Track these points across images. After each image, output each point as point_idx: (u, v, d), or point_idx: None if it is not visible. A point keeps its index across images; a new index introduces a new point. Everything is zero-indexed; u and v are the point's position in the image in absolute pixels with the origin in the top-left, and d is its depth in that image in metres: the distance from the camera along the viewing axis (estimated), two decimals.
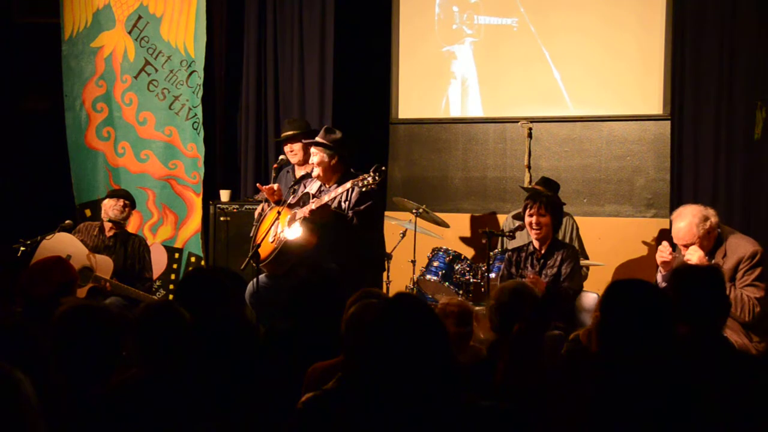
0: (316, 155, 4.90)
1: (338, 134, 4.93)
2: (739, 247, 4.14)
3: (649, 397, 2.12)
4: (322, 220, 4.72)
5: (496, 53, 6.71)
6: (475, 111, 6.83)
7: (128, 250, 5.48)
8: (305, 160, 5.62)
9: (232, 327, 2.37)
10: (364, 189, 4.64)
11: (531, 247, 4.78)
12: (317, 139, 4.93)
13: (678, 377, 2.20)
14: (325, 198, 4.76)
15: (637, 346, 2.28)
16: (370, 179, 4.57)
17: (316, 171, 4.91)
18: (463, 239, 6.68)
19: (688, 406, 2.15)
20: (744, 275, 4.06)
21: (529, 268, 4.72)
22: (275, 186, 5.06)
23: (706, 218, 4.14)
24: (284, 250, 4.79)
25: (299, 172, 5.67)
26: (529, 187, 5.74)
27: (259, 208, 5.34)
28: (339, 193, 4.76)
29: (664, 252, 4.18)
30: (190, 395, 2.19)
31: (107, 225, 5.51)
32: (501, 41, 6.69)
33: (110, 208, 5.52)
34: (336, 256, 4.74)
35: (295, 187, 5.16)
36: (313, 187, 5.01)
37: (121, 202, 5.54)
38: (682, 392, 2.16)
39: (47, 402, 2.05)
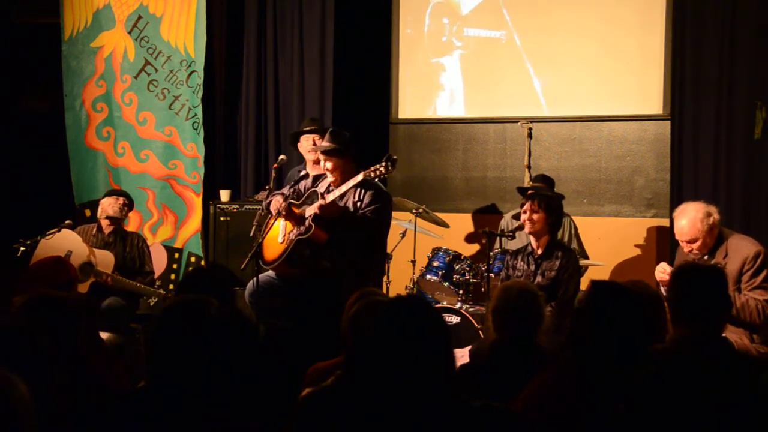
0: (330, 161, 4.78)
1: (346, 134, 4.88)
2: (742, 247, 4.13)
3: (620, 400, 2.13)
4: (332, 217, 4.69)
5: (496, 53, 6.71)
6: (475, 111, 6.83)
7: (127, 246, 5.49)
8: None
9: (231, 326, 2.36)
10: (377, 179, 4.59)
11: (529, 247, 4.79)
12: (326, 143, 4.83)
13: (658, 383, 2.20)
14: (336, 193, 4.72)
15: (605, 352, 2.29)
16: (382, 169, 4.51)
17: (331, 177, 4.81)
18: (463, 239, 6.68)
19: (676, 410, 2.15)
20: (751, 278, 4.05)
21: (524, 266, 4.71)
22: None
23: (709, 214, 4.15)
24: (296, 249, 4.77)
25: (314, 171, 5.56)
26: (526, 186, 5.74)
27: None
28: (350, 188, 4.68)
29: (663, 272, 4.15)
30: (190, 397, 2.19)
31: (105, 223, 5.51)
32: (501, 41, 6.69)
33: (109, 205, 5.52)
34: (334, 257, 4.72)
35: (296, 186, 5.13)
36: (321, 186, 4.96)
37: (120, 200, 5.55)
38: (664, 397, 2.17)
39: (46, 402, 2.05)
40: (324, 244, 4.70)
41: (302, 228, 4.75)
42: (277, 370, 2.89)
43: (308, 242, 4.71)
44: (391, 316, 1.98)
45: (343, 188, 4.69)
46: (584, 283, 5.16)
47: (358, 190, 4.74)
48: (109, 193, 5.70)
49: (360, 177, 4.59)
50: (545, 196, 4.83)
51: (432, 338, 1.95)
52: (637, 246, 6.25)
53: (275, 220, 4.90)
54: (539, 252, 4.70)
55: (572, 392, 2.28)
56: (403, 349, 1.92)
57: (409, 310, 2.00)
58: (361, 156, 4.92)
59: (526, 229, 4.71)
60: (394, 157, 4.53)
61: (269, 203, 5.00)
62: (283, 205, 4.84)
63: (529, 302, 3.08)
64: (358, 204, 4.75)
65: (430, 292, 5.62)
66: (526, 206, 4.69)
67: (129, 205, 5.63)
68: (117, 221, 5.53)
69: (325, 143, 4.84)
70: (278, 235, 4.91)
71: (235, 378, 2.19)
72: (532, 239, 4.73)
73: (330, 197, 4.71)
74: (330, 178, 4.84)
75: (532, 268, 4.68)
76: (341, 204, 4.76)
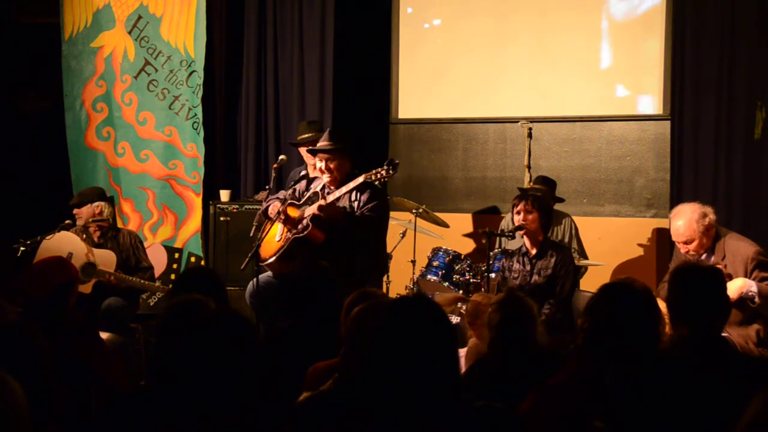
0: (331, 162, 4.77)
1: (345, 133, 4.86)
2: (740, 249, 4.13)
3: (627, 400, 2.13)
4: (331, 217, 4.68)
5: (496, 53, 6.71)
6: (475, 111, 6.83)
7: (120, 245, 5.47)
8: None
9: (231, 326, 2.37)
10: (377, 182, 4.59)
11: (523, 248, 4.79)
12: (324, 143, 4.82)
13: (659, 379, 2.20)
14: (336, 194, 4.72)
15: (618, 350, 2.30)
16: (383, 172, 4.50)
17: (328, 177, 4.80)
18: (463, 239, 6.68)
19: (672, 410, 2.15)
20: (760, 272, 4.05)
21: (520, 267, 4.72)
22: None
23: (704, 215, 4.15)
24: (292, 247, 4.76)
25: (315, 173, 5.53)
26: (528, 187, 5.74)
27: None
28: (349, 189, 4.68)
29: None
30: (190, 397, 2.19)
31: (91, 228, 5.46)
32: (501, 41, 6.69)
33: (85, 214, 5.46)
34: (334, 256, 4.71)
35: (296, 186, 5.12)
36: (318, 186, 4.96)
37: (80, 210, 5.45)
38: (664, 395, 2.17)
39: (44, 402, 2.05)
40: (322, 244, 4.70)
41: (300, 227, 4.75)
42: (277, 370, 2.89)
43: (305, 241, 4.71)
44: (397, 317, 1.97)
45: (344, 189, 4.68)
46: (585, 284, 5.18)
47: (355, 190, 4.74)
48: (78, 205, 5.52)
49: (360, 179, 4.59)
50: (537, 195, 4.84)
51: (438, 338, 1.95)
52: (637, 246, 6.25)
53: (272, 224, 4.90)
54: (533, 252, 4.71)
55: (584, 396, 2.27)
56: (408, 349, 1.91)
57: (415, 310, 1.99)
58: (358, 155, 4.92)
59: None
60: (396, 161, 4.54)
61: (266, 209, 4.98)
62: (281, 208, 4.83)
63: (519, 308, 3.12)
64: (356, 204, 4.75)
65: (430, 292, 5.61)
66: (520, 207, 4.69)
67: (101, 200, 5.51)
68: (101, 223, 5.45)
69: (323, 143, 4.83)
70: (276, 234, 4.91)
71: (235, 378, 2.20)
72: (526, 239, 4.73)
73: (330, 198, 4.71)
74: (326, 178, 4.82)
75: (528, 268, 4.69)
76: (339, 205, 4.75)
